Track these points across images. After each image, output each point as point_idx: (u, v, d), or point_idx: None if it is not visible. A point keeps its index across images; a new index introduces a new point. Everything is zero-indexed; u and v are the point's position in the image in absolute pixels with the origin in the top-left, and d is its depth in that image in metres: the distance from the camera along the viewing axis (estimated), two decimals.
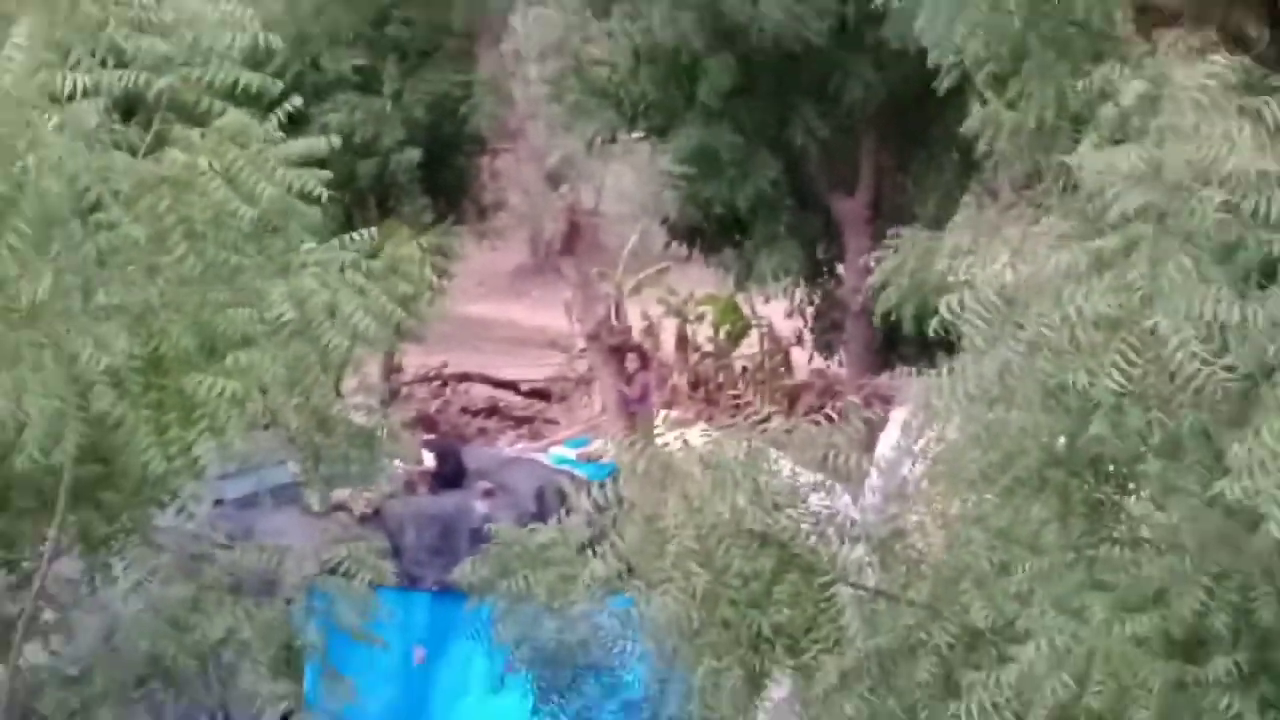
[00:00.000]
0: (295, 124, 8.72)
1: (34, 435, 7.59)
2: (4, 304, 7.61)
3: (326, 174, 8.27)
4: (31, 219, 7.53)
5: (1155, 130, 7.16)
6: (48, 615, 9.91)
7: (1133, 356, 6.69)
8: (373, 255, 9.05)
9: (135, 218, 7.79)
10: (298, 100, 8.40)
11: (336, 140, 8.70)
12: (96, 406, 7.70)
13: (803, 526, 8.26)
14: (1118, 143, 7.36)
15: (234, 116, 8.04)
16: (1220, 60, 7.43)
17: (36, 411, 7.56)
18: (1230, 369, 6.63)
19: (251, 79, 8.11)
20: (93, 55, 7.93)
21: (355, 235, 8.96)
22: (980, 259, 7.48)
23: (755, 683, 8.37)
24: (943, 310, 7.49)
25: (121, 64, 7.93)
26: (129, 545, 9.90)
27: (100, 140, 7.83)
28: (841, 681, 8.12)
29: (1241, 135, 6.96)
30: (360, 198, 20.94)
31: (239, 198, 7.89)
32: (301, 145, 8.26)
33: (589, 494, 8.40)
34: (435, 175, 22.28)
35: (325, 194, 8.28)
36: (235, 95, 8.13)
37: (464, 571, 11.15)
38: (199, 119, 8.05)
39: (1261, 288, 6.96)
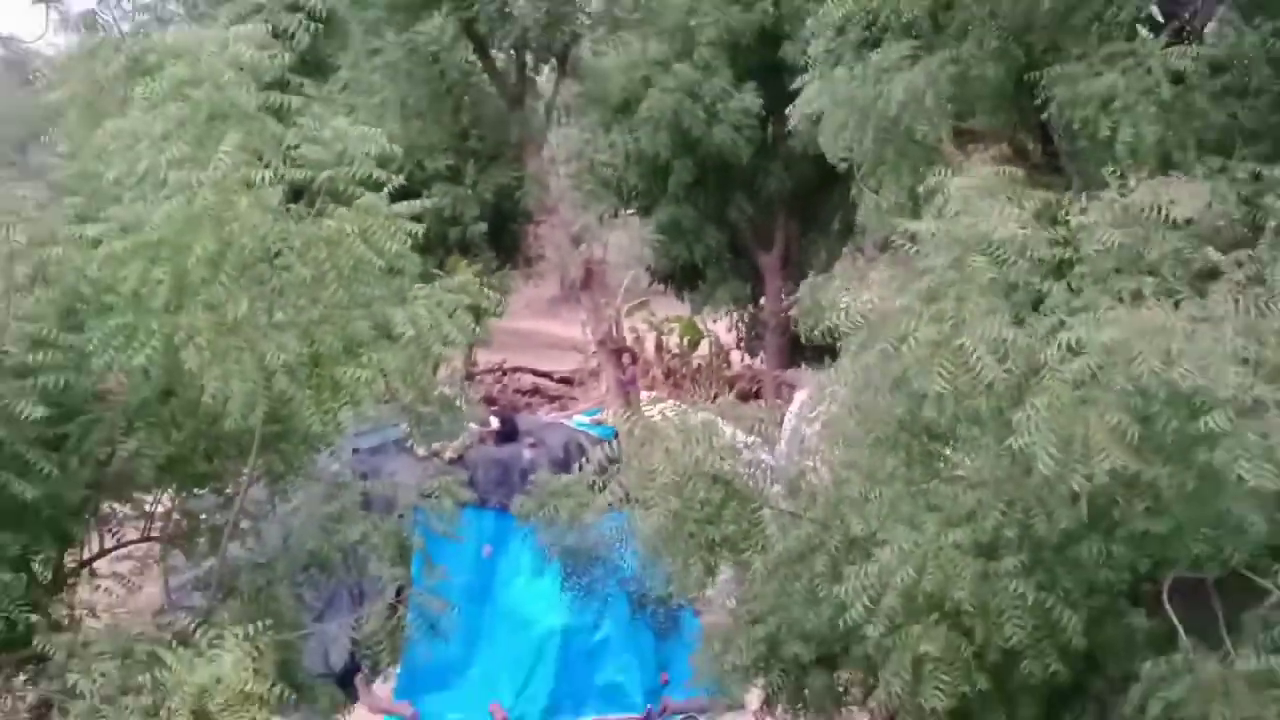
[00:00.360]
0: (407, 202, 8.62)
1: (235, 406, 7.53)
2: (216, 320, 7.53)
3: (421, 226, 8.19)
4: (234, 265, 7.49)
5: (951, 212, 7.18)
6: (244, 524, 9.81)
7: (948, 365, 6.69)
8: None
9: (303, 264, 7.71)
10: (402, 180, 8.29)
11: (429, 204, 8.58)
12: (276, 388, 7.63)
13: (740, 470, 8.24)
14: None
15: (369, 198, 7.96)
16: (1001, 168, 7.44)
17: (237, 391, 7.51)
18: (1011, 370, 6.64)
19: (380, 174, 8.05)
20: (276, 157, 7.87)
21: (446, 278, 8.87)
22: (853, 295, 7.46)
23: (709, 571, 8.35)
24: (824, 326, 7.49)
25: (295, 164, 7.87)
26: (298, 478, 9.83)
27: (280, 213, 7.77)
28: (767, 571, 8.12)
29: (1008, 214, 6.98)
30: (449, 251, 20.97)
31: (372, 252, 7.83)
32: (404, 207, 8.17)
33: (601, 448, 8.36)
34: (498, 238, 22.27)
35: (423, 235, 8.16)
36: (369, 184, 8.08)
37: (517, 504, 11.15)
38: (346, 200, 7.98)
39: (1034, 314, 6.96)
